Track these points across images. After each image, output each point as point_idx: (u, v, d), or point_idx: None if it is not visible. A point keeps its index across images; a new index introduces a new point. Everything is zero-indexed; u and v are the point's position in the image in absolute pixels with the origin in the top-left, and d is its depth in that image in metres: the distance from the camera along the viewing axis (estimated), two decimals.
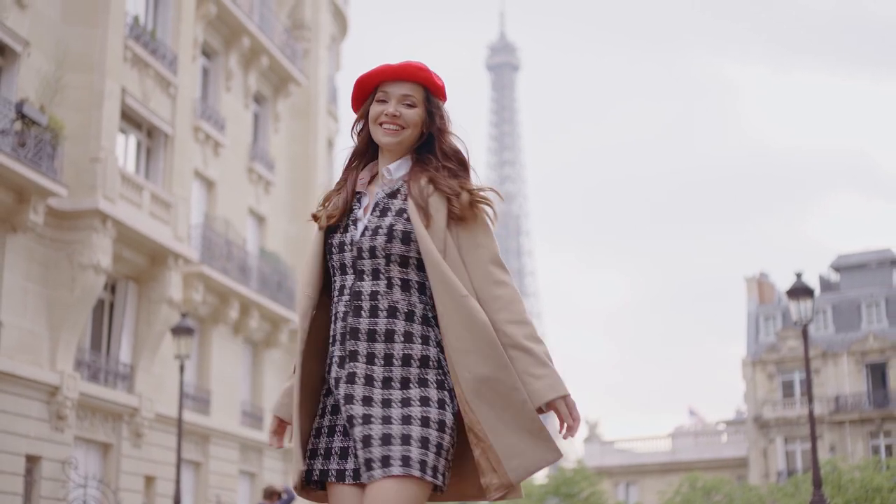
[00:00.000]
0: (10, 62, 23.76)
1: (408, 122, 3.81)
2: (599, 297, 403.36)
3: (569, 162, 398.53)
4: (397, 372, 3.64)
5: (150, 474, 27.24)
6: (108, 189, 24.66)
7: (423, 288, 3.76)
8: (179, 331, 24.70)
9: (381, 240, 3.73)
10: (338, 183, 3.99)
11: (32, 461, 23.46)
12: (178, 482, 24.50)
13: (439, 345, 3.70)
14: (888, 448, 53.89)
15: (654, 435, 64.93)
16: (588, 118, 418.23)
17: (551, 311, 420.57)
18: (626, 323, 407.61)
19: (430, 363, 3.68)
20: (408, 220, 3.75)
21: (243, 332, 32.27)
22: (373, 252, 3.73)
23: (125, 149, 27.07)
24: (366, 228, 3.77)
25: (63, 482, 24.01)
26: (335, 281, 3.81)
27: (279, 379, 34.67)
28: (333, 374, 3.70)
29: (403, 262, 3.74)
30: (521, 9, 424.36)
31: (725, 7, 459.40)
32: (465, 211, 3.78)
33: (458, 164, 3.87)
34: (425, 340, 3.70)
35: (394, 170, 3.85)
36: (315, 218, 3.92)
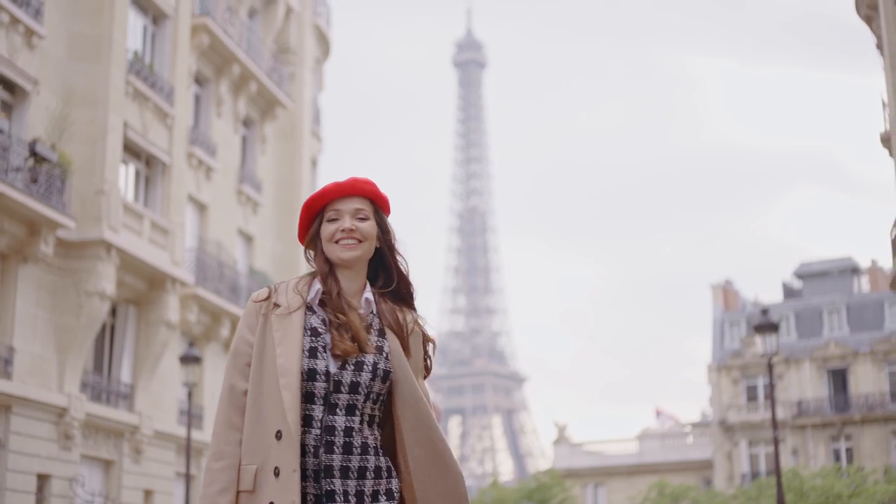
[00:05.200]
0: (21, 100, 25.04)
1: (365, 235, 3.83)
2: (567, 293, 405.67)
3: (535, 160, 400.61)
4: None
5: (149, 488, 28.57)
6: (112, 219, 26.00)
7: (381, 422, 3.84)
8: (188, 359, 26.10)
9: (366, 377, 3.74)
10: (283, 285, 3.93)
11: (43, 479, 24.79)
12: (187, 500, 25.91)
13: (393, 475, 3.80)
14: (848, 451, 55.77)
15: (621, 437, 66.56)
16: (554, 115, 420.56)
17: (519, 307, 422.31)
18: (595, 319, 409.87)
19: (394, 495, 3.77)
20: (387, 358, 3.79)
21: None
22: (354, 388, 3.74)
23: (125, 178, 28.37)
24: (345, 362, 3.74)
25: (70, 499, 25.35)
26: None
27: None
28: None
29: (377, 399, 3.78)
30: (487, 5, 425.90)
31: (693, 2, 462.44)
32: (428, 369, 4.00)
33: (408, 296, 3.97)
34: (389, 473, 3.77)
35: (372, 302, 3.89)
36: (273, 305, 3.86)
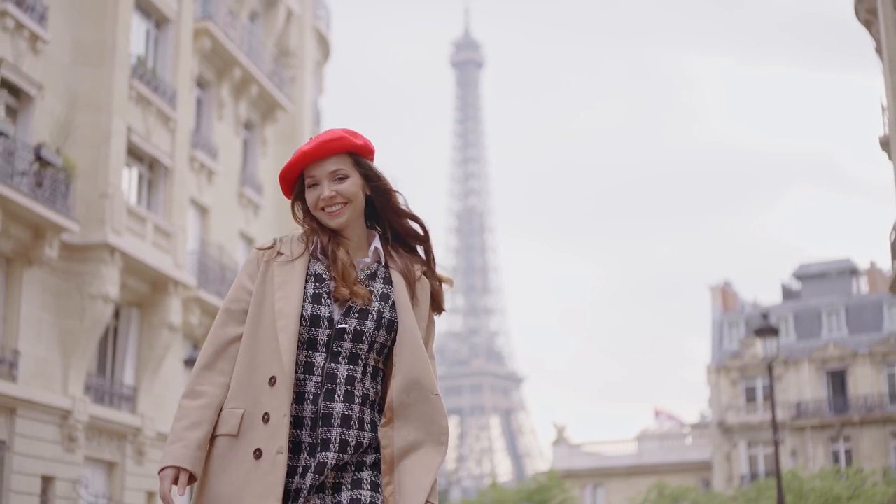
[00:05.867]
0: (26, 105, 25.20)
1: (347, 196, 3.69)
2: (565, 293, 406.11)
3: (533, 160, 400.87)
4: (354, 458, 3.60)
5: (151, 490, 28.73)
6: (116, 223, 26.15)
7: (379, 373, 3.70)
8: (192, 362, 26.23)
9: (370, 325, 3.64)
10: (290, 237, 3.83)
11: (47, 481, 24.96)
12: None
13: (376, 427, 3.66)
14: (847, 453, 55.90)
15: (620, 438, 66.72)
16: (552, 115, 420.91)
17: (517, 307, 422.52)
18: (593, 319, 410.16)
19: (379, 449, 3.63)
20: (393, 307, 3.68)
21: None
22: (358, 336, 3.63)
23: (128, 182, 28.51)
24: (350, 309, 3.64)
25: (74, 500, 25.51)
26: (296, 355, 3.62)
27: None
28: (301, 462, 3.55)
29: (381, 350, 3.67)
30: (485, 5, 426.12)
31: (690, 1, 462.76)
32: (440, 307, 3.84)
33: (417, 239, 3.84)
34: (373, 427, 3.64)
35: (380, 251, 3.77)
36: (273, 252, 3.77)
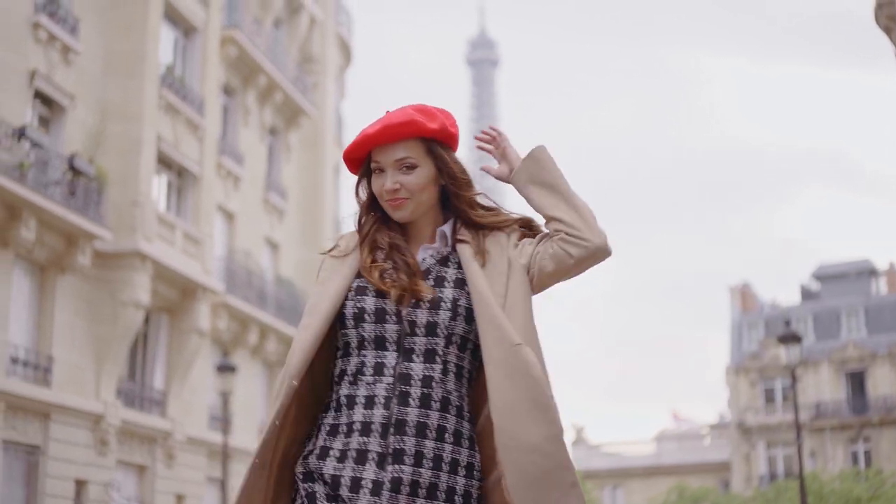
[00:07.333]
0: (58, 115, 25.64)
1: (412, 190, 3.19)
2: (577, 290, 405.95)
3: None
4: (444, 479, 3.04)
5: (181, 493, 29.13)
6: (147, 230, 26.60)
7: (472, 378, 3.17)
8: (224, 369, 26.67)
9: (444, 315, 3.13)
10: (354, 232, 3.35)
11: (80, 485, 25.41)
12: None
13: (475, 447, 3.13)
14: (867, 454, 55.98)
15: (639, 439, 66.89)
16: (566, 114, 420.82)
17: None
18: (605, 317, 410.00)
19: (474, 474, 3.09)
20: (469, 293, 3.15)
21: (261, 355, 34.17)
22: (431, 329, 3.13)
23: (158, 189, 28.91)
24: (419, 301, 3.13)
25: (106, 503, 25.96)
26: (355, 356, 3.14)
27: None
28: (370, 475, 3.03)
29: (463, 344, 3.15)
30: (500, 4, 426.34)
31: (704, 2, 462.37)
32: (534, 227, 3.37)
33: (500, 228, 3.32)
34: (471, 444, 3.12)
35: (448, 233, 3.27)
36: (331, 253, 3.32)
